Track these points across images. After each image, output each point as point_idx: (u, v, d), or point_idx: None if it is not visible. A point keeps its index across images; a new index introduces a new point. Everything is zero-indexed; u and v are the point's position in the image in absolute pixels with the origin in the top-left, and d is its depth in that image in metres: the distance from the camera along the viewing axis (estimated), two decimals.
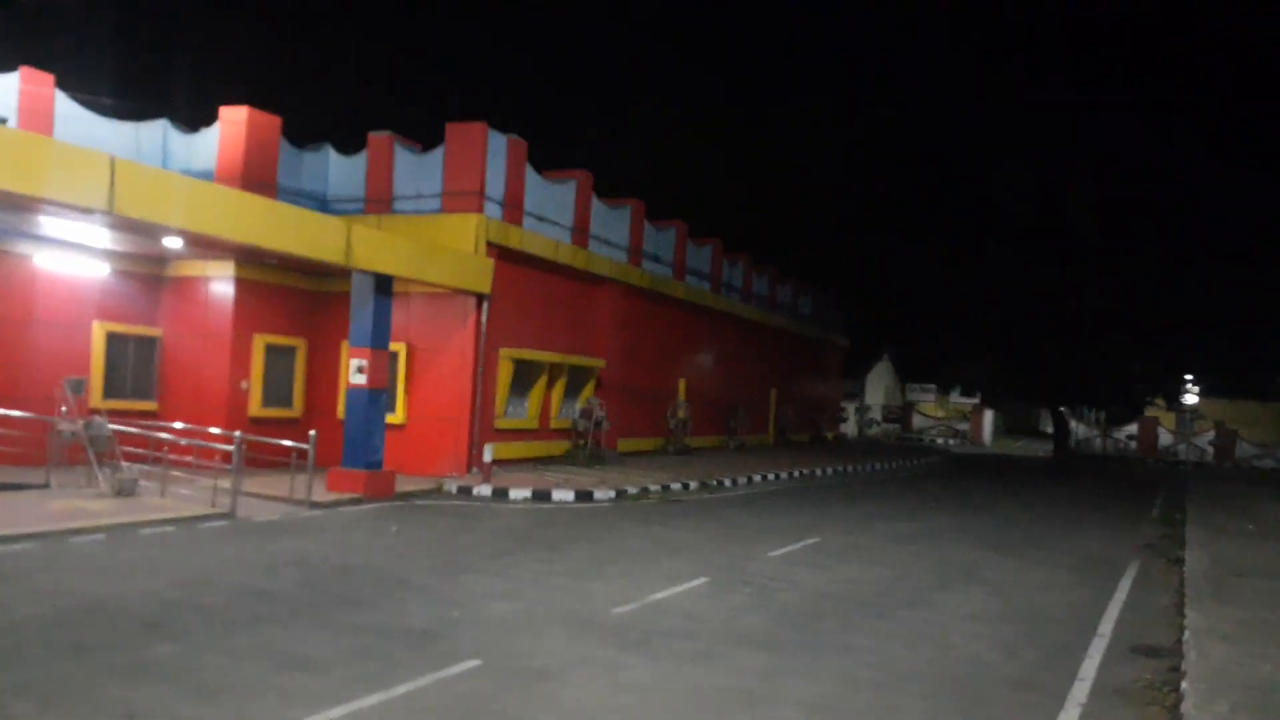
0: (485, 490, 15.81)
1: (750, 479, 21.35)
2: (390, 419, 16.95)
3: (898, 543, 13.60)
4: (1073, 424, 46.94)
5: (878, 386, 54.85)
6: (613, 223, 23.99)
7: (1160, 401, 45.94)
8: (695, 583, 9.85)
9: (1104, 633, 8.57)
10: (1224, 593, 9.75)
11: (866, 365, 53.20)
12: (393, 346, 16.59)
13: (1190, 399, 47.11)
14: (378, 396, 15.22)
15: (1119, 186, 43.84)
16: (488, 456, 16.33)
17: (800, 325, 38.40)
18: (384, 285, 15.23)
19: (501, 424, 19.13)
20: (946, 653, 7.66)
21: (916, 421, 51.51)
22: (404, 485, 15.66)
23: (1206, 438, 44.10)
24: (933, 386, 53.68)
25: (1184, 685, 6.27)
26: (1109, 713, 6.29)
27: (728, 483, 20.29)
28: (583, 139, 42.29)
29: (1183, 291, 40.78)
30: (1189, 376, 45.74)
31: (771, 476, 22.33)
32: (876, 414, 51.90)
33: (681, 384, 27.34)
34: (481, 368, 18.14)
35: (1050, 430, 47.00)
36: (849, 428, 48.20)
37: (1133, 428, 45.69)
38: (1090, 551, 13.79)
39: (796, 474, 23.57)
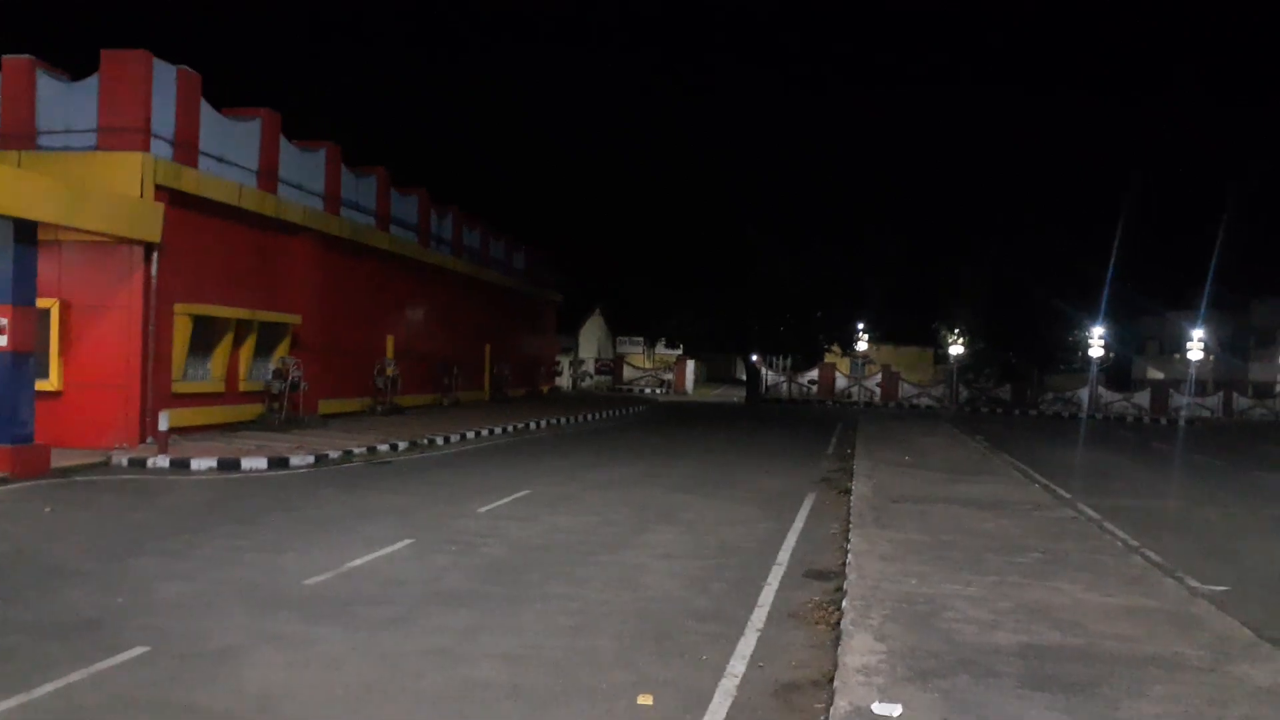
0: (162, 462, 14.37)
1: (464, 436, 21.09)
2: (42, 386, 14.88)
3: (603, 490, 14.00)
4: (763, 371, 50.81)
5: (590, 340, 56.29)
6: (307, 168, 22.48)
7: (836, 348, 50.82)
8: (397, 546, 9.54)
9: (782, 561, 9.31)
10: (883, 518, 10.92)
11: (580, 320, 54.34)
12: (42, 303, 14.52)
13: (862, 346, 52.47)
14: (23, 361, 13.26)
15: (801, 154, 47.46)
16: (163, 425, 14.82)
17: (514, 280, 38.34)
18: (25, 232, 13.20)
19: (181, 388, 17.45)
20: (641, 592, 7.95)
21: (627, 373, 53.44)
22: (62, 460, 13.86)
23: (875, 380, 49.51)
24: (641, 339, 55.84)
25: (844, 603, 6.92)
26: (783, 634, 6.82)
27: (440, 441, 19.91)
28: (273, 80, 39.19)
29: (858, 249, 45.11)
30: (861, 325, 50.87)
31: (485, 433, 22.21)
32: (590, 367, 53.31)
33: (390, 340, 26.40)
34: (153, 326, 16.38)
35: (744, 378, 50.57)
36: (564, 381, 49.11)
37: (814, 373, 50.24)
38: (775, 488, 14.95)
39: (510, 429, 23.61)
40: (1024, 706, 4.86)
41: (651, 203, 46.80)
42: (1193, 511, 13.89)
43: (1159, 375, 56.86)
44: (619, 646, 6.46)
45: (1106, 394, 46.83)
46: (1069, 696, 5.02)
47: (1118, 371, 56.35)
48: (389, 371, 25.50)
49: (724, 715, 5.24)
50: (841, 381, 49.74)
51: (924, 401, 47.65)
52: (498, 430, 22.91)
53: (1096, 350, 46.17)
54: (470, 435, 21.42)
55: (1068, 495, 14.56)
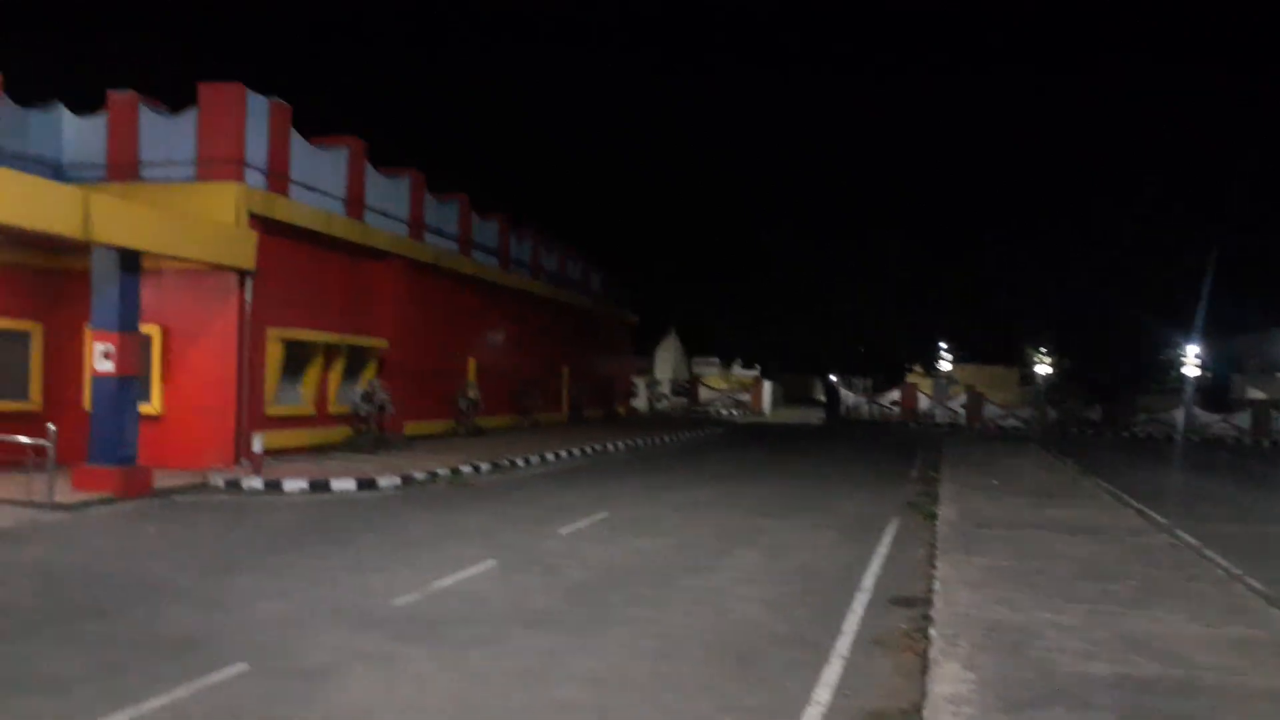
0: (256, 483, 14.88)
1: (543, 458, 21.33)
2: (145, 409, 15.60)
3: (683, 512, 14.00)
4: (843, 391, 50.20)
5: (666, 361, 56.36)
6: (391, 194, 23.13)
7: (919, 368, 49.94)
8: (483, 566, 9.70)
9: (866, 587, 9.18)
10: (970, 544, 10.69)
11: (655, 340, 54.53)
12: (144, 329, 15.25)
13: (945, 365, 51.43)
14: (128, 385, 13.92)
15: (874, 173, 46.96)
16: (258, 447, 15.37)
17: (591, 301, 38.73)
18: (130, 261, 13.90)
19: (273, 411, 18.06)
20: (723, 616, 7.93)
21: (703, 394, 53.30)
22: (164, 481, 14.46)
23: (959, 401, 48.39)
24: (716, 360, 55.72)
25: (931, 631, 6.80)
26: (869, 662, 6.73)
27: (520, 463, 20.17)
28: (357, 109, 40.52)
29: (937, 268, 44.45)
30: (944, 345, 49.91)
31: (564, 454, 22.41)
32: (666, 388, 53.36)
33: (471, 363, 26.89)
34: (247, 351, 17.02)
35: (823, 398, 50.02)
36: (640, 402, 49.26)
37: (896, 394, 49.39)
38: (857, 511, 14.74)
39: (589, 450, 23.78)
40: None
41: (724, 220, 46.83)
42: None
43: (1260, 395, 54.31)
44: (702, 671, 6.46)
45: (1203, 414, 44.89)
46: None
47: (1215, 391, 54.05)
48: (471, 394, 25.96)
49: None
50: (924, 402, 48.76)
51: (1010, 423, 46.39)
52: (576, 452, 23.10)
53: (1191, 369, 44.43)
54: (550, 457, 21.65)
55: (1164, 520, 14.02)
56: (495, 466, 19.15)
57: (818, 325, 44.95)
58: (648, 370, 52.99)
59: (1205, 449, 36.24)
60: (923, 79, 64.70)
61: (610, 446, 25.18)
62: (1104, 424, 44.70)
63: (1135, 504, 15.88)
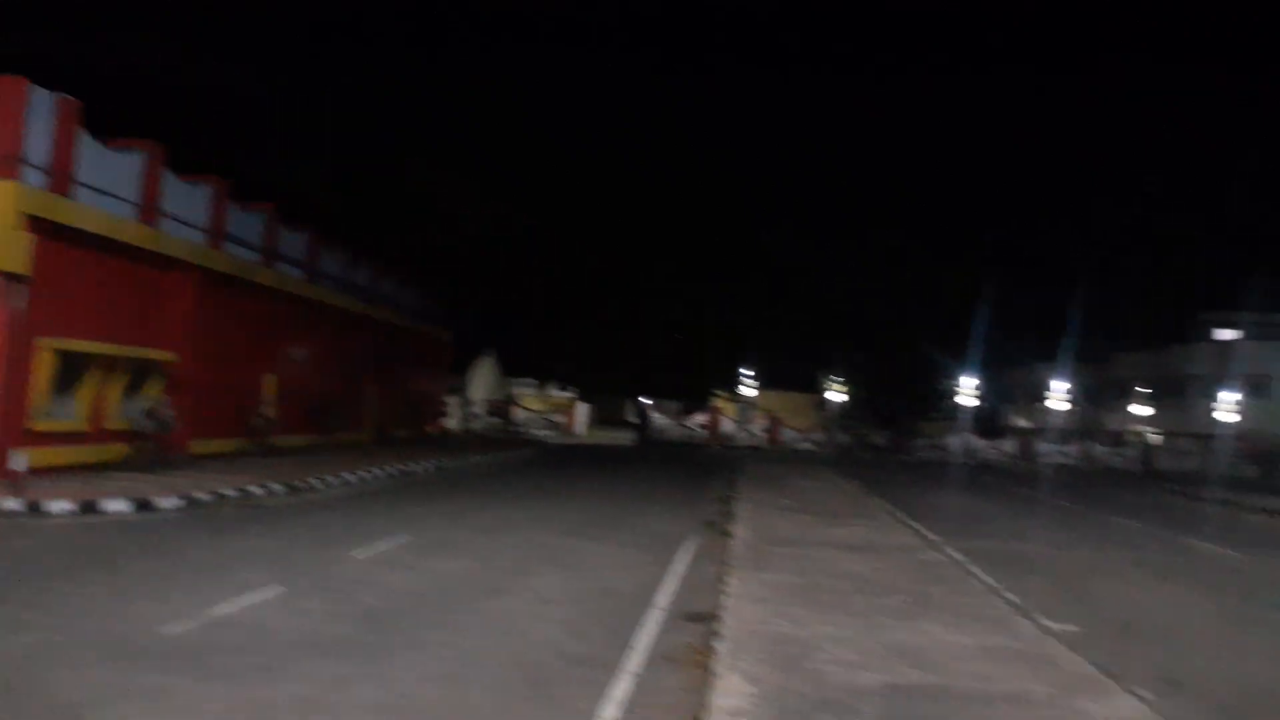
0: (14, 505, 13.51)
1: (344, 478, 20.54)
2: None
3: (487, 533, 13.86)
4: (653, 414, 51.30)
5: (482, 380, 55.71)
6: (191, 201, 21.77)
7: (724, 393, 51.80)
8: (268, 593, 9.23)
9: (661, 604, 9.41)
10: (761, 561, 11.16)
11: (472, 359, 53.82)
12: None
13: (748, 391, 53.57)
14: None
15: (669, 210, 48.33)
16: (20, 465, 13.98)
17: (403, 319, 37.76)
18: None
19: (41, 426, 16.51)
20: (519, 639, 7.92)
21: (518, 414, 53.06)
22: None
23: (760, 425, 50.54)
24: (533, 381, 55.66)
25: (718, 646, 7.06)
26: (657, 677, 6.90)
27: (318, 483, 19.33)
28: (162, 112, 37.91)
29: (743, 300, 46.39)
30: (748, 371, 51.99)
31: (367, 475, 21.68)
32: (480, 408, 52.72)
33: (269, 379, 25.59)
34: (9, 361, 15.49)
35: (634, 420, 50.93)
36: (453, 422, 48.40)
37: (702, 417, 51.00)
38: (659, 530, 15.09)
39: (394, 471, 23.12)
40: None
41: (543, 241, 47.02)
42: (1051, 554, 14.67)
43: (1025, 424, 59.82)
44: (494, 694, 6.43)
45: (976, 441, 48.97)
46: None
47: (988, 419, 59.09)
48: (267, 411, 24.69)
49: None
50: (728, 425, 50.59)
51: (805, 446, 48.87)
52: (380, 472, 22.40)
53: (967, 399, 48.35)
54: (351, 478, 20.87)
55: (936, 538, 15.15)
56: (290, 488, 18.28)
57: (631, 350, 45.97)
58: (462, 389, 52.21)
59: (977, 472, 39.49)
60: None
61: (417, 467, 24.58)
62: (889, 448, 47.94)
63: (912, 523, 17.07)
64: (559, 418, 52.99)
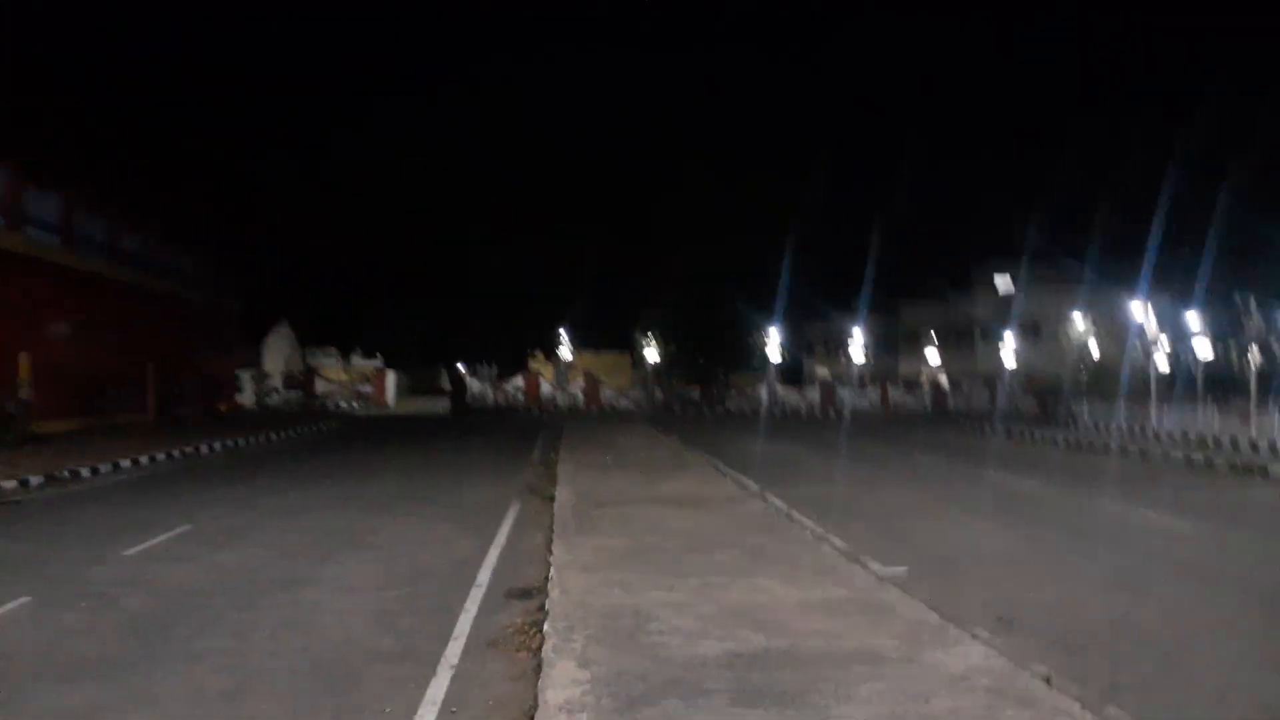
0: None
1: (117, 465, 18.35)
2: None
3: (283, 518, 12.55)
4: (468, 380, 49.83)
5: (278, 352, 52.26)
6: None
7: (540, 355, 50.99)
8: (10, 606, 7.75)
9: (482, 582, 8.61)
10: (585, 524, 10.55)
11: (265, 331, 50.29)
12: None
13: (565, 352, 53.00)
14: None
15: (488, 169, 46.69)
16: None
17: (185, 290, 34.51)
18: None
19: None
20: (317, 638, 6.92)
21: (320, 387, 50.12)
22: None
23: (578, 386, 50.12)
24: (334, 350, 52.74)
25: (546, 626, 6.37)
26: (480, 668, 6.13)
27: (85, 473, 17.14)
28: None
29: (555, 257, 45.52)
30: (564, 331, 51.36)
31: (146, 460, 19.51)
32: (277, 382, 49.40)
33: (24, 359, 22.56)
34: None
35: (449, 387, 49.28)
36: (247, 398, 45.12)
37: (520, 381, 50.03)
38: (478, 500, 14.21)
39: (177, 454, 20.96)
40: None
41: (339, 202, 44.31)
42: (866, 496, 14.90)
43: (826, 372, 62.54)
44: (285, 707, 5.46)
45: (783, 391, 50.64)
46: (782, 710, 4.77)
47: (792, 370, 61.26)
48: (22, 394, 21.79)
49: None
50: (547, 389, 49.87)
51: (624, 404, 48.94)
52: (161, 456, 20.23)
53: (774, 350, 49.75)
54: (126, 464, 18.69)
55: (756, 487, 15.09)
56: (50, 479, 16.08)
57: (441, 313, 44.16)
58: (257, 363, 48.74)
59: (785, 421, 40.78)
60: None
61: (205, 448, 22.44)
62: (703, 402, 48.78)
63: (733, 473, 17.02)
64: (366, 388, 50.49)
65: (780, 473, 17.89)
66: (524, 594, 8.06)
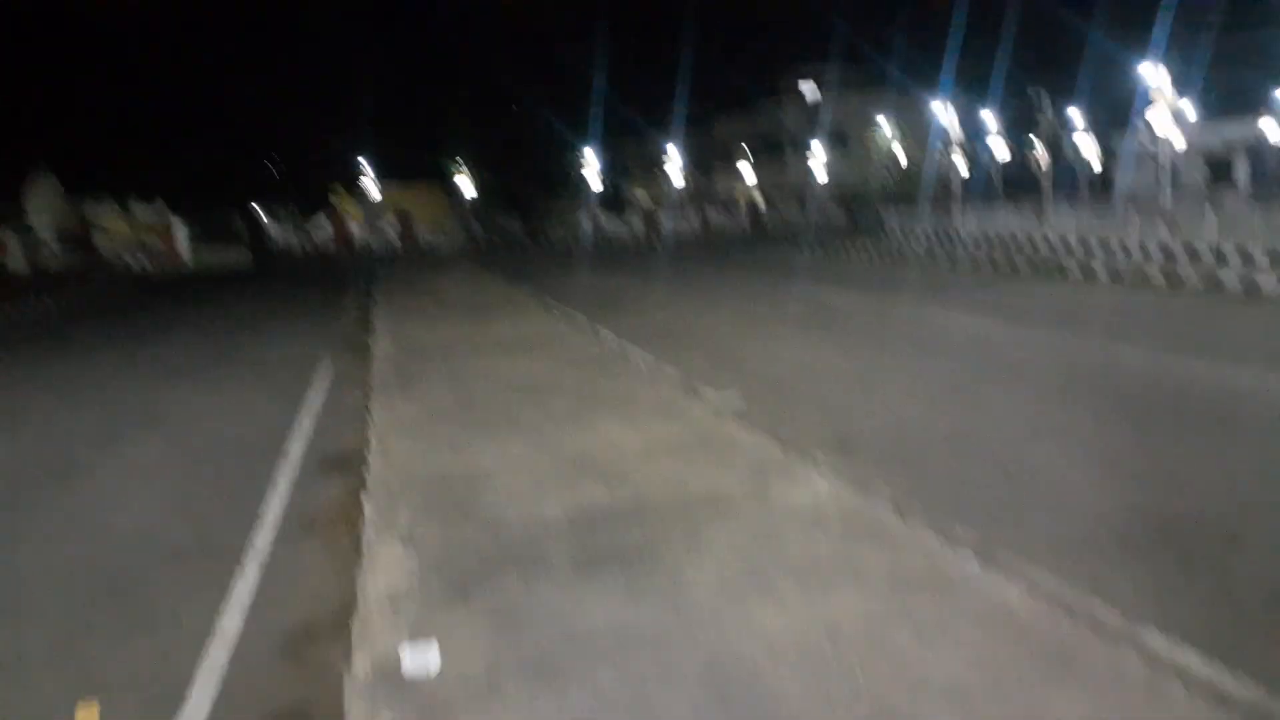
0: None
1: None
2: None
3: (57, 395, 11.13)
4: (266, 223, 46.29)
5: (43, 205, 46.47)
6: None
7: (342, 189, 47.53)
8: None
9: (294, 454, 7.80)
10: (408, 379, 9.79)
11: (19, 179, 44.39)
12: None
13: (369, 185, 49.47)
14: None
15: None
16: None
17: None
18: None
19: None
20: (99, 536, 6.03)
21: (101, 244, 45.29)
22: None
23: (393, 225, 47.60)
24: (110, 198, 47.36)
25: (365, 503, 5.72)
26: (293, 558, 5.46)
27: None
28: None
29: (350, 79, 41.82)
30: (364, 161, 47.71)
31: None
32: (49, 237, 44.15)
33: None
34: None
35: (247, 236, 45.65)
36: (16, 261, 40.23)
37: (324, 221, 46.93)
38: (286, 358, 13.10)
39: None
40: (583, 603, 4.12)
41: (92, 23, 38.72)
42: (694, 321, 14.74)
43: (645, 195, 62.03)
44: (53, 636, 4.65)
45: (604, 217, 49.94)
46: (630, 575, 4.39)
47: (612, 195, 60.36)
48: None
49: (207, 713, 3.84)
50: (357, 230, 47.11)
51: (442, 242, 47.05)
52: None
53: (592, 175, 48.46)
54: None
55: (587, 321, 14.66)
56: None
57: (226, 147, 39.90)
58: (18, 217, 43.23)
59: (610, 249, 40.33)
60: None
61: None
62: (525, 235, 47.52)
63: (559, 306, 16.50)
64: (155, 241, 46.01)
65: (609, 305, 17.50)
66: (342, 463, 7.33)
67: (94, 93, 39.11)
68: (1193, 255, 17.54)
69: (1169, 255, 18.04)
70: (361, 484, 6.29)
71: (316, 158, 44.33)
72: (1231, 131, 35.17)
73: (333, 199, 47.01)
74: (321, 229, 47.05)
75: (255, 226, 43.67)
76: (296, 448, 8.00)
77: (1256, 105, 34.55)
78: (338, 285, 25.59)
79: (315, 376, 11.34)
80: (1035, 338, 12.00)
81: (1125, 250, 19.57)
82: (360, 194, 49.18)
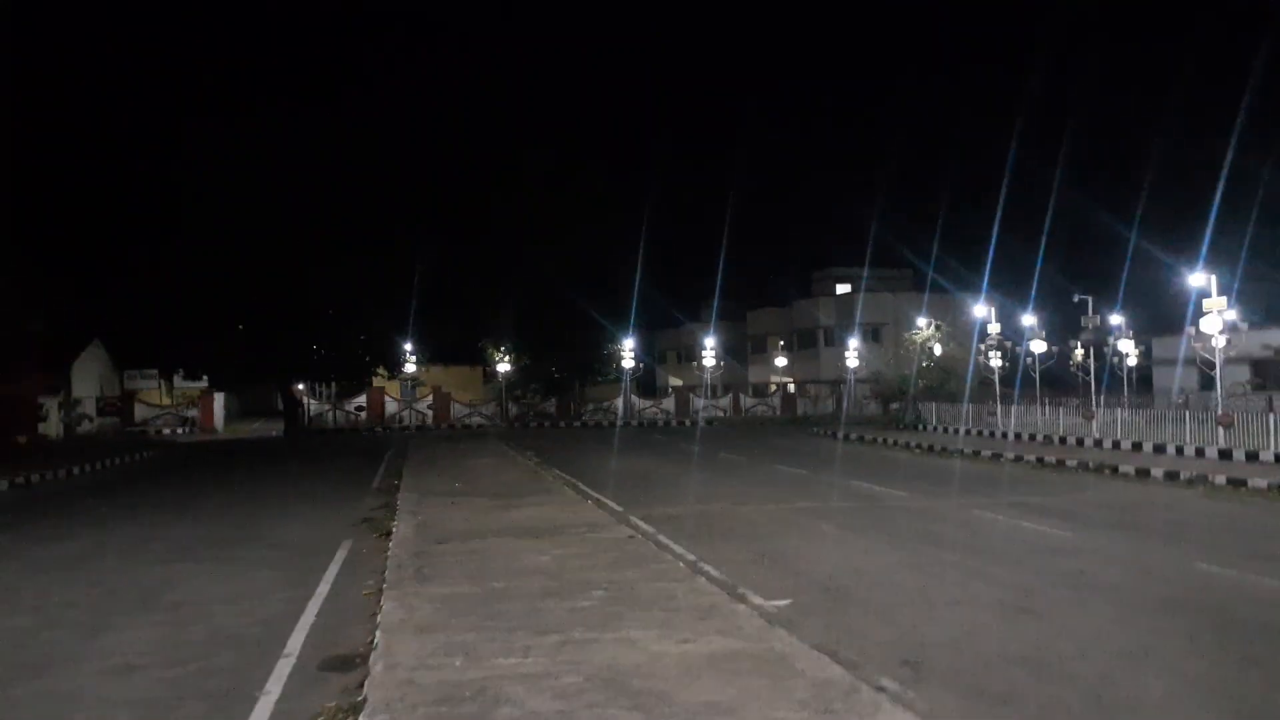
0: None
1: None
2: None
3: (61, 571, 10.50)
4: (305, 400, 46.80)
5: (90, 376, 47.46)
6: None
7: (383, 371, 48.33)
8: None
9: (292, 651, 7.05)
10: (425, 567, 9.11)
11: (73, 354, 45.55)
12: None
13: (411, 367, 50.54)
14: None
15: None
16: None
17: None
18: None
19: None
20: None
21: (140, 412, 45.93)
22: None
23: (426, 402, 47.77)
24: (154, 372, 48.38)
25: (362, 718, 4.97)
26: None
27: None
28: None
29: (393, 270, 43.18)
30: (408, 345, 49.00)
31: None
32: (90, 408, 44.86)
33: None
34: None
35: (283, 409, 46.07)
36: (51, 428, 40.62)
37: (362, 399, 47.32)
38: (304, 538, 12.48)
39: None
40: None
41: (154, 215, 40.75)
42: (732, 512, 13.99)
43: (679, 381, 62.37)
44: None
45: (639, 401, 49.94)
46: None
47: (646, 380, 60.78)
48: None
49: None
50: (392, 406, 47.36)
51: (476, 420, 47.02)
52: None
53: (628, 360, 48.89)
54: None
55: (619, 508, 14.00)
56: None
57: (271, 333, 41.20)
58: (63, 389, 44.02)
59: (642, 431, 39.98)
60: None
61: None
62: (558, 415, 47.39)
63: (593, 494, 15.88)
64: (192, 412, 46.55)
65: (643, 490, 16.86)
66: (344, 664, 6.59)
67: (149, 273, 40.64)
68: (1251, 457, 16.72)
69: (1224, 456, 17.23)
70: (360, 695, 5.54)
71: (361, 343, 45.53)
72: (1272, 338, 34.97)
73: (375, 381, 47.83)
74: (357, 405, 47.36)
75: (292, 402, 44.10)
76: (297, 642, 7.25)
77: None
78: (368, 461, 25.20)
79: (331, 561, 10.67)
80: (1107, 544, 11.12)
81: (1179, 451, 18.77)
82: (400, 375, 49.95)
